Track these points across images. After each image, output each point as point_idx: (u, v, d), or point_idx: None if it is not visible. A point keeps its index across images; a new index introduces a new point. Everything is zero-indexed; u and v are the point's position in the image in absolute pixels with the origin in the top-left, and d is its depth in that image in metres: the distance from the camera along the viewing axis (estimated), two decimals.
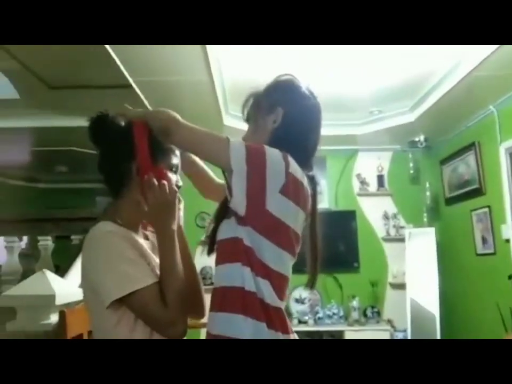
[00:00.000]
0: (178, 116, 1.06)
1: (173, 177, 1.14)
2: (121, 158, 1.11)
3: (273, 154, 1.01)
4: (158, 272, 1.07)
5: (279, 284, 1.02)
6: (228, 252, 1.03)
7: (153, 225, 1.10)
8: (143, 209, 1.07)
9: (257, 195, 0.98)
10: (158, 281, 1.03)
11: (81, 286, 1.10)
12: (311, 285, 1.15)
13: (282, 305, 1.03)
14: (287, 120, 1.11)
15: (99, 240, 1.04)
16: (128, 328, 1.01)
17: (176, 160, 1.16)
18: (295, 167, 1.03)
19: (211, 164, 1.08)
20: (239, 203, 0.98)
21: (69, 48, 2.57)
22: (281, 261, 1.02)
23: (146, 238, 1.20)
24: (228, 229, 1.04)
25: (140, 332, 1.02)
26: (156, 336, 1.03)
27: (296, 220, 1.04)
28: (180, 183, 1.16)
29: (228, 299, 0.99)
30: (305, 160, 1.11)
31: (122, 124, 1.13)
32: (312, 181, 1.12)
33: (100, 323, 1.05)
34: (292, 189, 1.01)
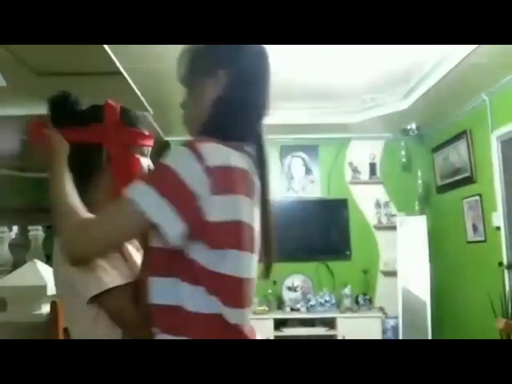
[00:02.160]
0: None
1: (145, 161, 1.10)
2: (92, 143, 1.04)
3: (178, 161, 0.83)
4: (130, 272, 1.03)
5: (240, 290, 0.88)
6: (161, 263, 0.87)
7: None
8: (113, 195, 0.99)
9: (191, 214, 0.81)
10: (132, 282, 0.99)
11: (54, 279, 1.04)
12: (265, 274, 1.00)
13: (242, 316, 0.88)
14: (230, 84, 0.93)
15: None
16: (109, 323, 0.97)
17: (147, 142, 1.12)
18: (214, 155, 0.84)
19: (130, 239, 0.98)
20: (176, 235, 0.81)
21: None
22: (240, 264, 0.88)
23: None
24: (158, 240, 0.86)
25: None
26: None
27: (243, 210, 0.88)
28: (152, 167, 1.10)
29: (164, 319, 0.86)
30: (252, 128, 0.96)
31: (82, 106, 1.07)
32: (260, 156, 0.96)
33: (78, 317, 0.99)
34: (222, 182, 0.83)
